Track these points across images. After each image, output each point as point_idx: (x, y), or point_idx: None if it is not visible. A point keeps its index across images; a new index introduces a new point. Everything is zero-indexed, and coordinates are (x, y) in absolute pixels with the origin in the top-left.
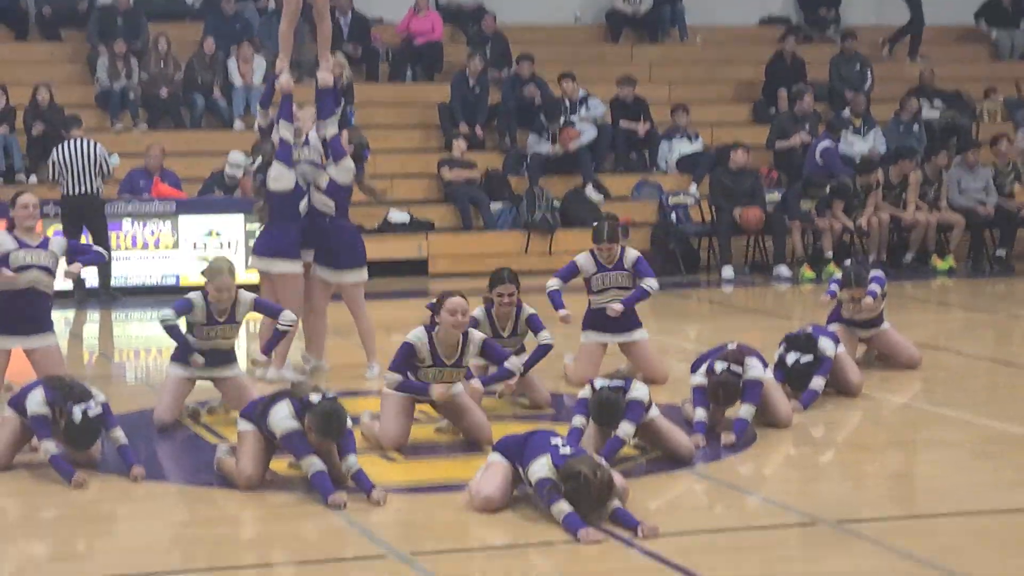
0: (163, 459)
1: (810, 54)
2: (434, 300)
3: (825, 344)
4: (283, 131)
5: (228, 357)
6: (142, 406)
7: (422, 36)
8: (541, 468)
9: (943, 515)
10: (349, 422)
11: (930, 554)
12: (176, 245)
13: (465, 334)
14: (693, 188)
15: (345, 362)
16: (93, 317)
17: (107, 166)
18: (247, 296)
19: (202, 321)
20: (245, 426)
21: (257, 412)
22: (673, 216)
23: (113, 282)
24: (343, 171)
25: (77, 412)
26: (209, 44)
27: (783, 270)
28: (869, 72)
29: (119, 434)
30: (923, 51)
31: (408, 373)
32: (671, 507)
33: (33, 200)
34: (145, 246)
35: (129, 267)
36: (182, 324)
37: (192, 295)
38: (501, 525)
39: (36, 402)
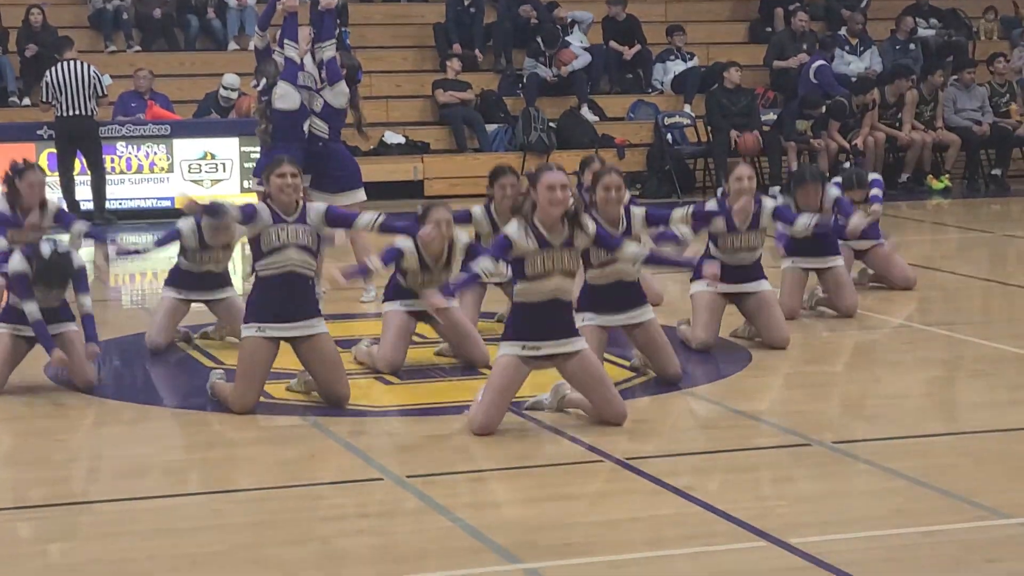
0: (156, 382)
1: None
2: (419, 211)
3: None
4: (288, 51)
5: (221, 280)
6: (136, 329)
7: None
8: None
9: (937, 435)
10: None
11: (924, 474)
12: (171, 168)
13: (451, 241)
14: (688, 108)
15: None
16: (87, 241)
17: (101, 87)
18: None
19: (194, 247)
20: (248, 331)
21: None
22: (669, 137)
23: (108, 205)
24: (338, 94)
25: (46, 247)
26: None
27: (778, 191)
28: None
29: (87, 301)
30: None
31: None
32: (666, 428)
33: (39, 179)
34: (140, 169)
35: (124, 190)
36: (175, 248)
37: (181, 223)
38: (498, 448)
39: (15, 261)
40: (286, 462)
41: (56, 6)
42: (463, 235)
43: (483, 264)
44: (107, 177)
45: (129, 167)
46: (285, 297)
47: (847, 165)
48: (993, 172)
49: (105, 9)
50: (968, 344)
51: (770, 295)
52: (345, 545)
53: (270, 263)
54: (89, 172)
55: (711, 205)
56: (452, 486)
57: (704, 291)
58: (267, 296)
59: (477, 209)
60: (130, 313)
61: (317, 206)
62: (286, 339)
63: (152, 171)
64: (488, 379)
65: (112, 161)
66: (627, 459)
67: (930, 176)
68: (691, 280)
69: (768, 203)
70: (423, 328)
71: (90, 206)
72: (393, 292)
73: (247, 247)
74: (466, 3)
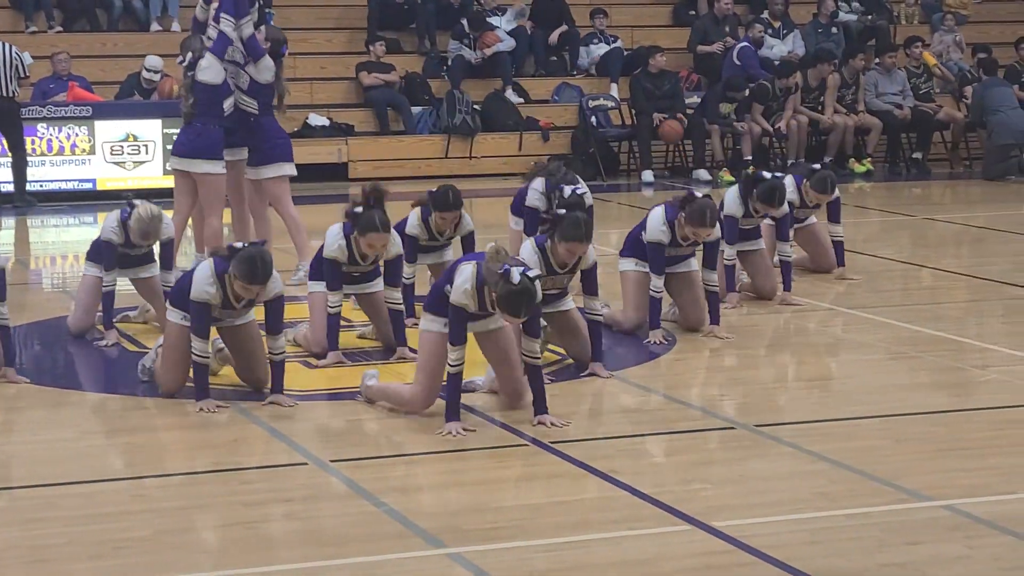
0: (78, 367)
1: None
2: (356, 208)
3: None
4: (223, 25)
5: (145, 258)
6: (57, 313)
7: None
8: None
9: (860, 418)
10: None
11: (846, 457)
12: (92, 150)
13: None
14: (614, 90)
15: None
16: (8, 223)
17: (23, 68)
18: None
19: (120, 242)
20: (173, 316)
21: (184, 287)
22: (593, 120)
23: (29, 187)
24: (263, 70)
25: None
26: None
27: (703, 174)
28: None
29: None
30: None
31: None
32: (591, 412)
33: None
34: (61, 151)
35: (45, 172)
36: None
37: (104, 225)
38: (423, 433)
39: None
40: (210, 447)
41: None
42: (395, 243)
43: None
44: (28, 159)
45: (50, 149)
46: None
47: (817, 167)
48: (914, 156)
49: None
50: (890, 327)
51: (696, 276)
52: (270, 530)
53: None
54: (10, 154)
55: (657, 215)
56: (377, 470)
57: (633, 270)
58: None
59: (413, 215)
60: (50, 296)
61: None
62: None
63: (74, 153)
64: (419, 359)
65: (33, 143)
66: (552, 443)
67: (852, 160)
68: (620, 256)
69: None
70: (347, 311)
71: (11, 188)
72: (318, 273)
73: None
74: None
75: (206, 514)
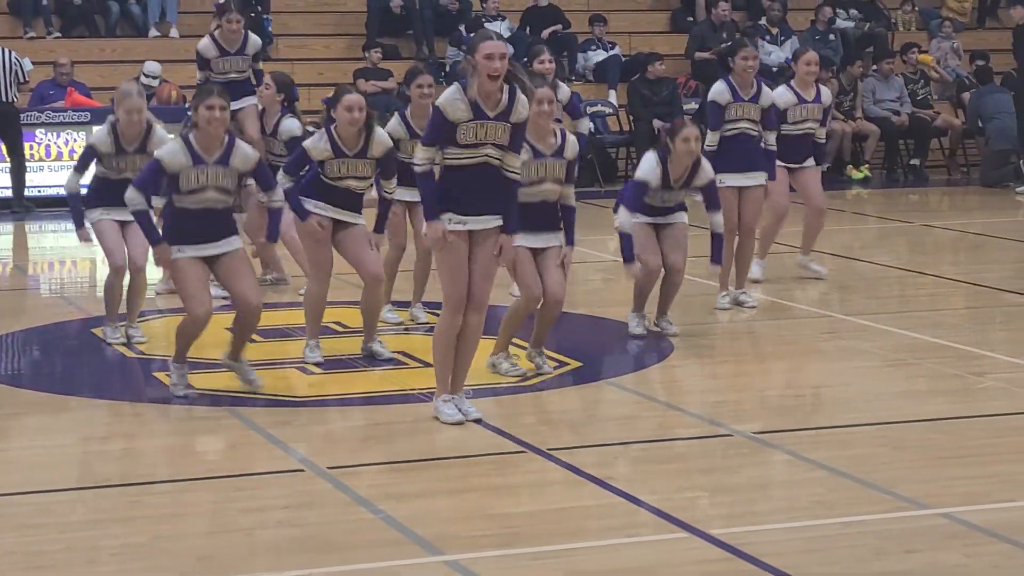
0: (75, 372)
1: None
2: (330, 96)
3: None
4: None
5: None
6: (56, 319)
7: None
8: None
9: (857, 425)
10: None
11: (844, 464)
12: None
13: (369, 129)
14: (612, 96)
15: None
16: (6, 229)
17: (22, 73)
18: (246, 150)
19: (110, 152)
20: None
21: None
22: (591, 125)
23: (27, 193)
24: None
25: None
26: None
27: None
28: None
29: None
30: None
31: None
32: (588, 419)
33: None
34: (59, 156)
35: (43, 177)
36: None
37: (94, 132)
38: (420, 439)
39: None
40: (206, 453)
41: None
42: (384, 134)
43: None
44: (26, 164)
45: (48, 154)
46: (201, 226)
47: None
48: (912, 162)
49: None
50: (887, 334)
51: (682, 227)
52: (266, 537)
53: (187, 200)
54: (8, 159)
55: (649, 160)
56: (374, 477)
57: (637, 222)
58: (183, 224)
59: (393, 120)
60: (48, 301)
61: (247, 151)
62: (203, 257)
63: (72, 158)
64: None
65: (31, 148)
66: (549, 450)
67: (850, 166)
68: (616, 210)
69: (706, 170)
70: (340, 316)
71: (9, 193)
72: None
73: None
74: None
75: (202, 521)
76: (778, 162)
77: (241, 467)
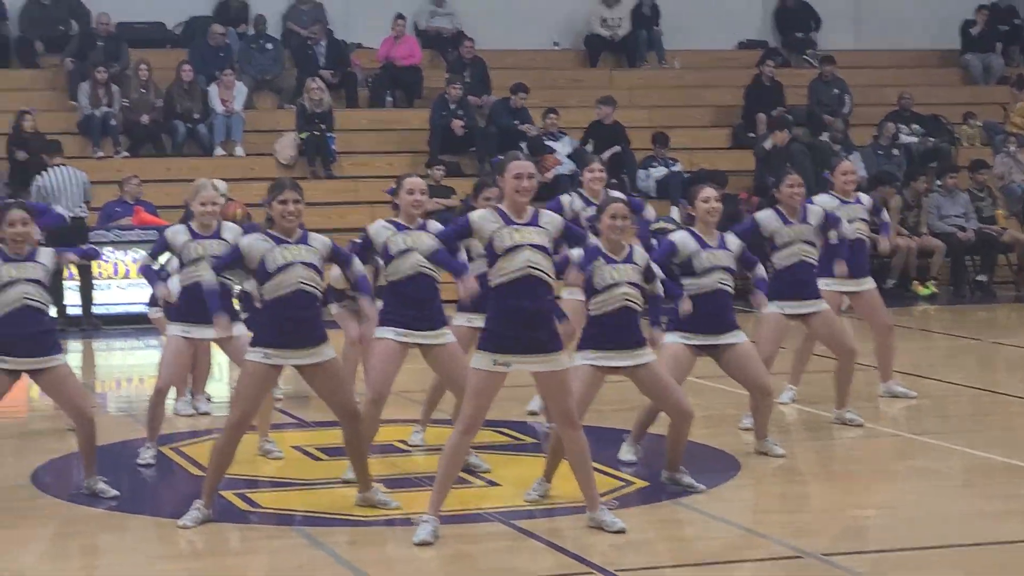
0: (142, 491)
1: (788, 78)
2: (393, 186)
3: None
4: None
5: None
6: (122, 437)
7: (401, 61)
8: None
9: (931, 548)
10: None
11: None
12: None
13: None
14: (674, 213)
15: None
16: (75, 346)
17: (88, 193)
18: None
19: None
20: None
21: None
22: (654, 242)
23: (94, 311)
24: None
25: None
26: (187, 71)
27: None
28: (847, 96)
29: None
30: (899, 76)
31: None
32: (656, 539)
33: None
34: (127, 274)
35: (110, 295)
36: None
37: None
38: (492, 560)
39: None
40: (275, 572)
41: (46, 112)
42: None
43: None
44: (94, 282)
45: (116, 272)
46: (293, 320)
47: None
48: (979, 278)
49: (94, 115)
50: (958, 453)
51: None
52: None
53: (277, 284)
54: (77, 276)
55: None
56: None
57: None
58: (275, 320)
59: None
60: (116, 420)
61: (321, 237)
62: (294, 365)
63: (139, 276)
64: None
65: (99, 266)
66: (617, 571)
67: (916, 282)
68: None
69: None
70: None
71: (78, 311)
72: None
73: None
74: (451, 109)
75: None
76: (834, 284)
77: None
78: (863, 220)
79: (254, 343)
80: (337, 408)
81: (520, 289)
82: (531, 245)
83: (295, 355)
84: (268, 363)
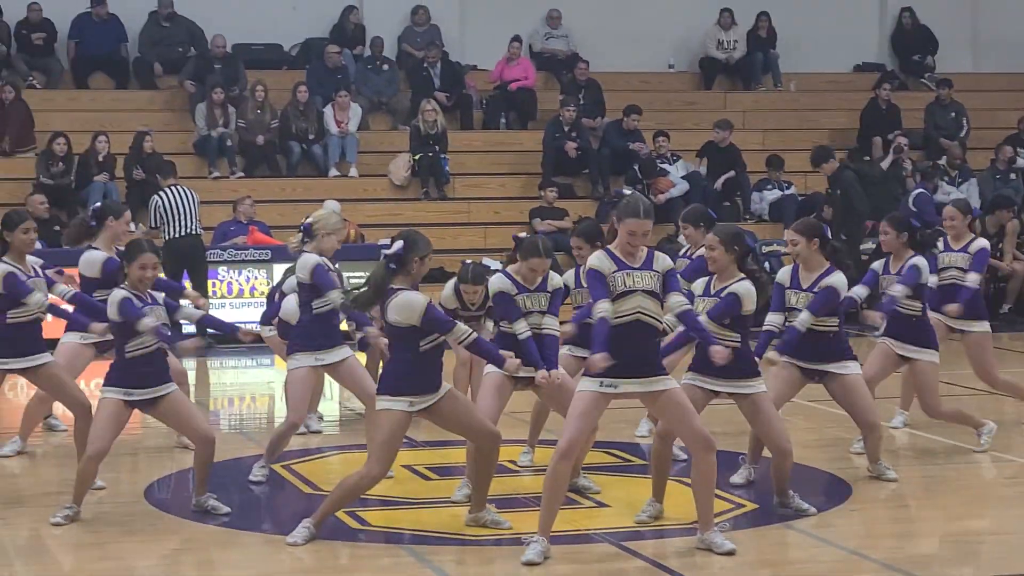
0: (251, 507)
1: (905, 101)
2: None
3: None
4: None
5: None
6: (236, 454)
7: (516, 83)
8: None
9: None
10: None
11: None
12: None
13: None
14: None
15: None
16: (189, 364)
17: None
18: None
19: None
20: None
21: None
22: (767, 265)
23: (208, 330)
24: None
25: None
26: (303, 92)
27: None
28: (965, 120)
29: None
30: (1017, 99)
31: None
32: (765, 563)
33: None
34: (240, 293)
35: (224, 314)
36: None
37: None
38: None
39: None
40: None
41: (163, 132)
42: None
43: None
44: (209, 301)
45: (230, 291)
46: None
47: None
48: None
49: (210, 136)
50: None
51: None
52: None
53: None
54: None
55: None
56: None
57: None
58: (424, 367)
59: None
60: (228, 437)
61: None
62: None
63: (252, 295)
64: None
65: (213, 285)
66: None
67: None
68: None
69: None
70: (512, 454)
71: (192, 329)
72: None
73: None
74: (565, 131)
75: None
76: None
77: None
78: (959, 269)
79: (390, 391)
80: (472, 433)
81: (628, 331)
82: (643, 291)
83: (433, 397)
84: (412, 411)
